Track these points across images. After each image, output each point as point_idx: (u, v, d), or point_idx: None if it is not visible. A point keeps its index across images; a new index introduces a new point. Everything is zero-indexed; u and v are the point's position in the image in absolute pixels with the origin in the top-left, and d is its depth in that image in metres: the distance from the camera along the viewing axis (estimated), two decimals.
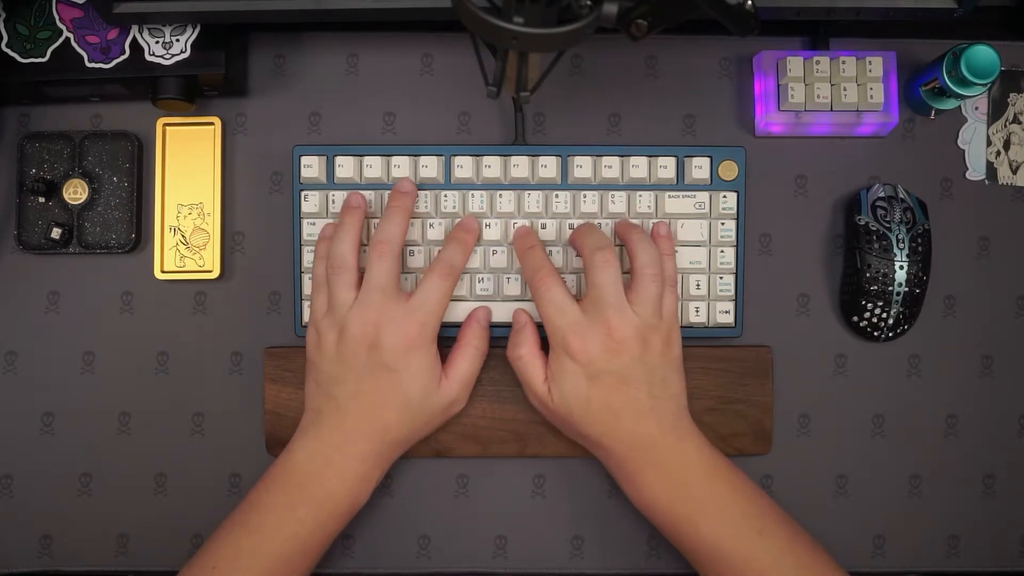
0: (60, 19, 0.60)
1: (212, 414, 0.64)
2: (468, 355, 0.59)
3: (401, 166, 0.62)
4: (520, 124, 0.63)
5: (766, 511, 0.56)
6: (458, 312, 0.61)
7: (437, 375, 0.58)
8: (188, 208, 0.64)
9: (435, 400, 0.58)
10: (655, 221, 0.62)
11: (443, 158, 0.62)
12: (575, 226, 0.61)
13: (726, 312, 0.62)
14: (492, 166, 0.62)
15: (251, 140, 0.65)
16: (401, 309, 0.56)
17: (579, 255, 0.59)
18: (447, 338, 0.60)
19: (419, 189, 0.62)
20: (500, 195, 0.62)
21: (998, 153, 0.65)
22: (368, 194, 0.62)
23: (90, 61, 0.60)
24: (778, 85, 0.63)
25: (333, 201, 0.62)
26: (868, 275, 0.61)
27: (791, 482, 0.64)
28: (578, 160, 0.62)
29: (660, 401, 0.56)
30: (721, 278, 0.62)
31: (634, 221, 0.62)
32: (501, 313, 0.62)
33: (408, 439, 0.59)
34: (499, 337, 0.62)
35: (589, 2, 0.44)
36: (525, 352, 0.59)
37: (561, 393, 0.56)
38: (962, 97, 0.61)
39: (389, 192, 0.61)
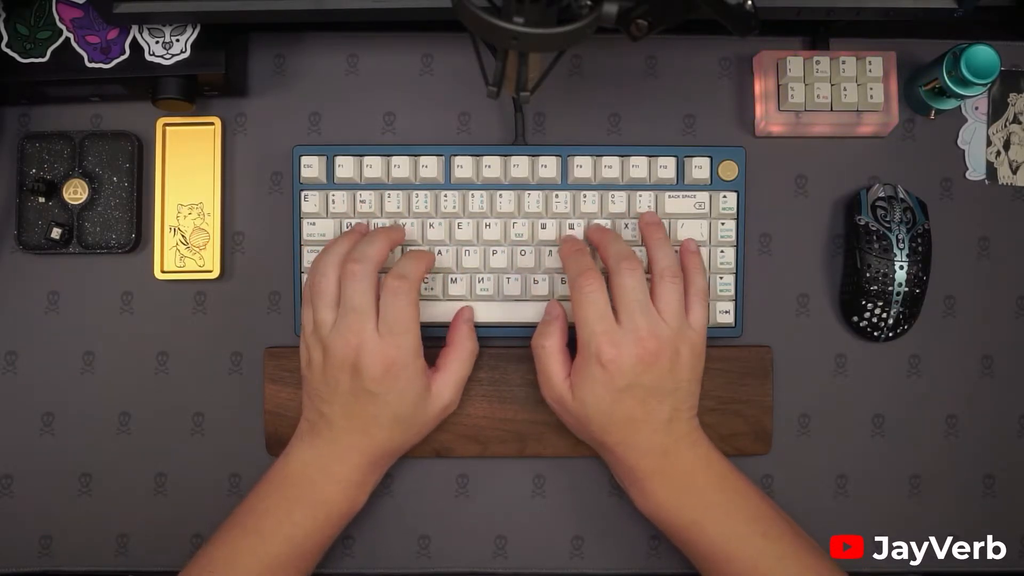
0: (60, 19, 0.60)
1: (212, 414, 0.64)
2: (459, 356, 0.59)
3: (401, 166, 0.62)
4: (520, 124, 0.63)
5: (769, 514, 0.56)
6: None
7: (425, 386, 0.57)
8: (188, 208, 0.64)
9: (426, 410, 0.57)
10: (686, 238, 0.61)
11: (443, 158, 0.62)
12: (592, 224, 0.61)
13: (726, 312, 0.62)
14: (492, 166, 0.62)
15: (251, 140, 0.65)
16: (376, 333, 0.54)
17: (602, 260, 0.58)
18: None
19: (419, 189, 0.62)
20: (500, 195, 0.62)
21: (998, 153, 0.65)
22: (368, 194, 0.62)
23: (90, 61, 0.60)
24: (778, 85, 0.63)
25: (333, 201, 0.62)
26: (868, 275, 0.61)
27: (791, 482, 0.64)
28: (578, 160, 0.62)
29: (679, 413, 0.56)
30: (721, 278, 0.62)
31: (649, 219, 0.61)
32: (501, 313, 0.62)
33: (403, 447, 0.59)
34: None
35: (589, 2, 0.44)
36: (550, 344, 0.58)
37: (583, 398, 0.56)
38: (962, 97, 0.61)
39: (389, 192, 0.62)
